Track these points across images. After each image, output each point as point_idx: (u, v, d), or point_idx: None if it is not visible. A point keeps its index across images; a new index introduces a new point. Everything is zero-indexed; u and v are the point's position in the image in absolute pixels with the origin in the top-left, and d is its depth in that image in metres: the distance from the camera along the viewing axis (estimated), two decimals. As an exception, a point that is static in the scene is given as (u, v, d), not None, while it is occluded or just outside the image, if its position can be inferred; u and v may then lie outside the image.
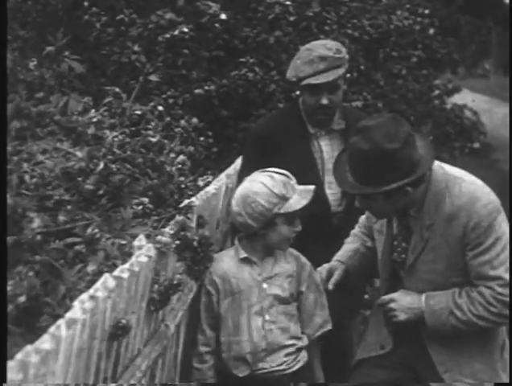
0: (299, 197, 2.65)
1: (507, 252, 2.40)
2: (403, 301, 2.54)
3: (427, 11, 8.66)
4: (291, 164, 2.94)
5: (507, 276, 2.38)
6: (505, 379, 2.54)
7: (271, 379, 2.71)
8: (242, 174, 3.29)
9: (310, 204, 2.65)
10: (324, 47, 3.13)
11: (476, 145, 10.82)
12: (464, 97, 11.37)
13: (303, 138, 3.23)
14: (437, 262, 2.48)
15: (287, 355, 2.71)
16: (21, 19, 4.92)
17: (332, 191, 3.15)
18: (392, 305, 2.56)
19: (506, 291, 2.38)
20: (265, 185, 2.64)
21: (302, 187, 2.69)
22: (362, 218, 2.94)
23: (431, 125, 9.36)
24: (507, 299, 2.38)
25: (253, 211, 2.62)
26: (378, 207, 2.48)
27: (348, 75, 3.25)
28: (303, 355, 2.77)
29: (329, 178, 3.15)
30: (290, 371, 2.71)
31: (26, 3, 4.98)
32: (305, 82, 3.09)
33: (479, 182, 2.48)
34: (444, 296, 2.47)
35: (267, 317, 2.69)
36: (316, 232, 2.95)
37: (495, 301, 2.39)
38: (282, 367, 2.70)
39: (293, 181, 2.69)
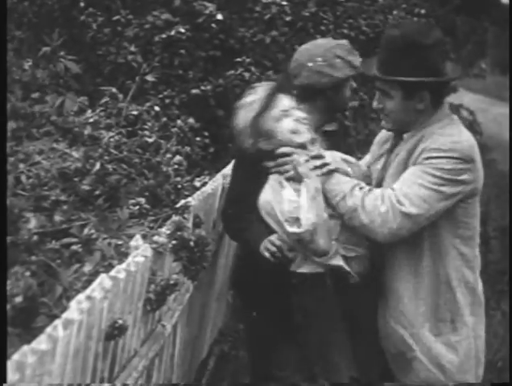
0: None
1: (439, 196, 2.35)
2: (339, 161, 2.55)
3: (423, 11, 8.66)
4: None
5: (414, 210, 2.33)
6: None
7: None
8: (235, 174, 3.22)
9: None
10: (344, 48, 3.17)
11: (473, 144, 10.84)
12: (461, 97, 11.38)
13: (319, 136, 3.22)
14: (394, 180, 2.47)
15: None
16: (17, 20, 4.91)
17: None
18: (327, 159, 2.53)
19: (406, 202, 2.33)
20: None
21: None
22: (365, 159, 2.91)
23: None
24: (400, 208, 2.33)
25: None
26: (394, 109, 2.48)
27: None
28: None
29: None
30: None
31: (23, 4, 4.97)
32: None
33: (473, 140, 2.46)
34: (349, 182, 2.47)
35: None
36: None
37: (389, 201, 2.34)
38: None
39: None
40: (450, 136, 2.40)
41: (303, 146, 2.62)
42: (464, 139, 2.42)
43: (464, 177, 2.37)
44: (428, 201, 2.34)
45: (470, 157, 2.38)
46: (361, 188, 2.44)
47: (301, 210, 2.49)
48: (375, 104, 2.56)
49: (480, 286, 2.57)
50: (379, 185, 2.55)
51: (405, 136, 2.53)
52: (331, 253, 2.53)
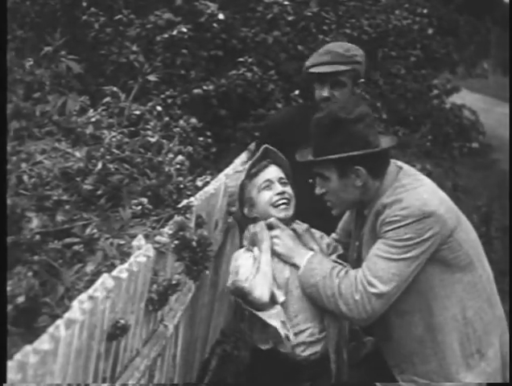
0: None
1: (409, 262, 2.36)
2: (290, 242, 2.60)
3: (425, 11, 8.67)
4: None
5: (385, 288, 2.36)
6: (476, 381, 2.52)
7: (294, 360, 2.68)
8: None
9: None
10: (337, 45, 3.30)
11: (475, 144, 10.84)
12: (463, 97, 11.37)
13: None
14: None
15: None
16: (19, 19, 4.92)
17: None
18: (279, 233, 2.61)
19: (376, 283, 2.36)
20: None
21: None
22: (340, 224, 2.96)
23: (429, 125, 9.37)
24: (372, 291, 2.36)
25: None
26: (334, 190, 2.50)
27: (362, 80, 3.28)
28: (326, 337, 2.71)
29: None
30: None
31: (25, 3, 4.98)
32: (309, 70, 3.24)
33: (428, 190, 2.45)
34: (328, 264, 2.50)
35: None
36: None
37: (361, 286, 2.37)
38: (303, 339, 2.65)
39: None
40: (398, 202, 2.39)
41: (283, 220, 2.70)
42: (412, 199, 2.40)
43: (428, 234, 2.37)
44: (398, 271, 2.37)
45: (425, 213, 2.36)
46: (338, 272, 2.47)
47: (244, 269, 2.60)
48: (317, 190, 2.56)
49: (494, 297, 2.57)
50: (359, 262, 2.57)
51: (365, 212, 2.56)
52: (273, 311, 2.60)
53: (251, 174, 2.76)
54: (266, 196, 2.71)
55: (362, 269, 2.42)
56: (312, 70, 3.22)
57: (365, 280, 2.38)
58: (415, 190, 2.44)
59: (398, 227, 2.36)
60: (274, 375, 2.67)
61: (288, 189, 2.74)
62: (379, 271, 2.37)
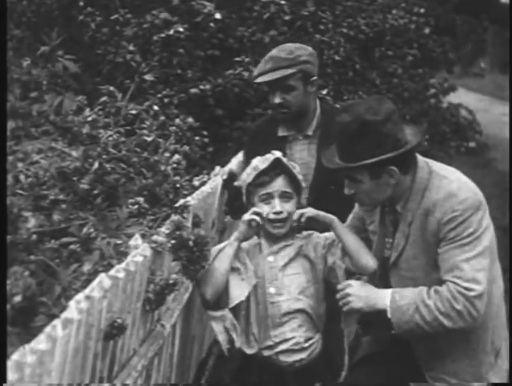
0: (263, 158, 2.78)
1: (485, 253, 2.35)
2: (361, 291, 2.51)
3: (422, 10, 8.66)
4: None
5: (481, 286, 2.33)
6: (496, 381, 2.53)
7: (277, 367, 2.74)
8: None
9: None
10: (280, 48, 3.23)
11: (472, 144, 10.82)
12: (460, 96, 11.36)
13: (273, 142, 3.23)
14: (417, 258, 2.47)
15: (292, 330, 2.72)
16: (16, 19, 4.91)
17: None
18: (348, 290, 2.53)
19: (472, 286, 2.33)
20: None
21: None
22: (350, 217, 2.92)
23: (426, 124, 9.36)
24: (472, 294, 2.32)
25: None
26: (366, 191, 2.45)
27: (315, 77, 3.24)
28: (316, 343, 2.77)
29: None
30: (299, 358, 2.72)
31: (21, 3, 4.97)
32: (255, 80, 3.24)
33: (464, 179, 2.45)
34: (411, 292, 2.43)
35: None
36: None
37: (460, 295, 2.33)
38: (288, 346, 2.71)
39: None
40: (453, 197, 2.36)
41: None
42: (465, 190, 2.39)
43: (485, 221, 2.39)
44: (481, 266, 2.35)
45: (479, 202, 2.38)
46: (428, 295, 2.40)
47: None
48: (346, 191, 2.51)
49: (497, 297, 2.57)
50: (395, 265, 2.55)
51: (397, 207, 2.51)
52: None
53: (255, 184, 2.74)
54: (264, 209, 2.72)
55: (451, 281, 2.35)
56: (259, 80, 3.20)
57: (461, 287, 2.33)
58: (460, 181, 2.43)
59: (461, 222, 2.33)
60: (261, 379, 2.72)
61: (288, 206, 2.73)
62: (467, 274, 2.33)
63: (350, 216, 2.86)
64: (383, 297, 2.45)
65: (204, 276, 2.60)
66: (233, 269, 2.69)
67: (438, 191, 2.40)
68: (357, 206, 2.79)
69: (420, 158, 2.50)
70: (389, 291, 2.46)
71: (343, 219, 2.77)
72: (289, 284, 2.73)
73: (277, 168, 2.74)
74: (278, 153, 2.76)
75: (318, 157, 3.20)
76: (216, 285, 2.62)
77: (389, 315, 2.42)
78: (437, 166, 2.51)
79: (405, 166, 2.43)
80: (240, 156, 3.62)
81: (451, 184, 2.40)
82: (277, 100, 3.17)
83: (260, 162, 2.75)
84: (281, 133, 3.30)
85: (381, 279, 2.65)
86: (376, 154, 2.34)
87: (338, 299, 2.55)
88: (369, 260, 2.63)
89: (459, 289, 2.33)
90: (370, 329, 2.80)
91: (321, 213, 2.71)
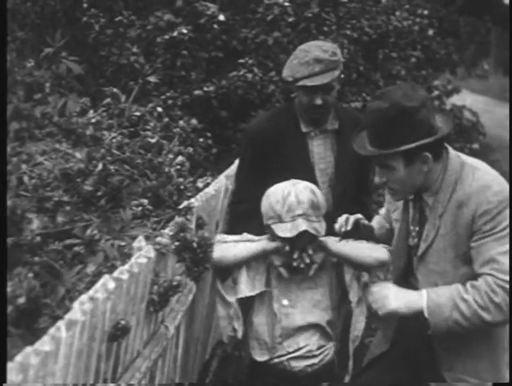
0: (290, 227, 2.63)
1: None
2: (396, 292, 2.47)
3: (426, 12, 8.66)
4: (286, 164, 3.05)
5: None
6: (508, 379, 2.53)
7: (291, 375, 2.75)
8: (240, 175, 3.31)
9: None
10: (320, 49, 3.16)
11: (476, 145, 10.81)
12: (464, 98, 11.36)
13: (296, 138, 3.27)
14: (447, 250, 2.44)
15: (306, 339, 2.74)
16: (19, 20, 4.91)
17: (323, 192, 3.14)
18: (383, 292, 2.48)
19: (507, 277, 2.31)
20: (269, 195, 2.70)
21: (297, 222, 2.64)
22: (382, 210, 2.96)
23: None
24: (507, 286, 2.30)
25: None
26: (398, 179, 2.43)
27: (342, 75, 3.27)
28: (328, 350, 2.78)
29: (322, 179, 3.25)
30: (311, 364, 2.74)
31: (25, 4, 4.97)
32: (301, 83, 3.13)
33: (494, 172, 2.44)
34: (447, 290, 2.39)
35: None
36: None
37: (498, 288, 2.30)
38: (300, 354, 2.73)
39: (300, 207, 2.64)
40: (488, 188, 2.35)
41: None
42: (498, 182, 2.39)
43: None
44: None
45: (508, 194, 2.36)
46: (465, 291, 2.38)
47: None
48: (377, 179, 2.51)
49: None
50: (423, 257, 2.53)
51: (425, 196, 2.49)
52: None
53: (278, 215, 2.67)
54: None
55: (488, 273, 2.33)
56: (307, 83, 3.11)
57: (499, 280, 2.31)
58: (493, 173, 2.43)
59: (496, 214, 2.32)
60: (271, 383, 2.74)
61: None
62: (505, 266, 2.31)
63: (383, 211, 2.90)
64: (419, 297, 2.42)
65: (223, 249, 2.65)
66: (250, 266, 2.71)
67: (471, 183, 2.39)
68: (387, 199, 2.79)
69: (451, 149, 2.50)
70: (424, 290, 2.44)
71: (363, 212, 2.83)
72: (303, 296, 2.75)
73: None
74: (304, 225, 2.63)
75: (337, 149, 3.28)
76: (227, 263, 2.67)
77: (426, 315, 2.39)
78: (467, 158, 2.50)
79: (437, 153, 2.42)
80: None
81: (485, 176, 2.39)
82: (318, 101, 3.14)
83: (285, 230, 2.63)
84: (304, 129, 3.29)
85: (403, 268, 2.63)
86: (412, 140, 2.34)
87: (371, 302, 2.51)
88: (378, 254, 2.65)
89: (498, 281, 2.31)
90: (379, 322, 2.79)
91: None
